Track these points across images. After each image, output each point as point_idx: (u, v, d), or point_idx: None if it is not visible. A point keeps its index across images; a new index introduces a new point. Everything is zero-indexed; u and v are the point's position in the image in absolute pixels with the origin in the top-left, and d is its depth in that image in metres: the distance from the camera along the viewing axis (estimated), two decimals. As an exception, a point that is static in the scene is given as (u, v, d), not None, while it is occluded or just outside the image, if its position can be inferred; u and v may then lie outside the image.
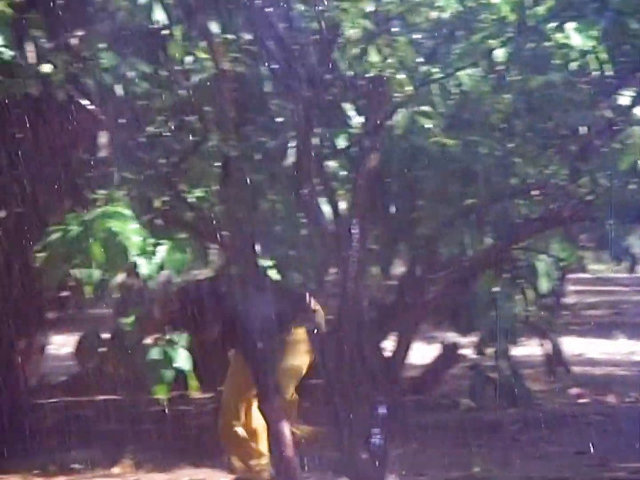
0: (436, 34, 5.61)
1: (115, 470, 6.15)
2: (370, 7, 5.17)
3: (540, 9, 5.19)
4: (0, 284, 6.61)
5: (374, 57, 5.17)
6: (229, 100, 5.85)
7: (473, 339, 7.86)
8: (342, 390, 5.12)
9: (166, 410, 6.83)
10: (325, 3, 5.24)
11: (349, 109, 5.88)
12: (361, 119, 5.77)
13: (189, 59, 5.86)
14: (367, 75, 5.29)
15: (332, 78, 5.61)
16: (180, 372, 5.12)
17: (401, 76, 5.23)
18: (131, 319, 5.20)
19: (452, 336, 7.95)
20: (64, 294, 6.64)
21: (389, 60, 5.17)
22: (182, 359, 5.14)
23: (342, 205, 5.65)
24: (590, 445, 6.57)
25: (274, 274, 5.77)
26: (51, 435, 6.65)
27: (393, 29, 5.28)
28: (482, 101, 5.87)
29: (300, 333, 5.68)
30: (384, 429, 5.18)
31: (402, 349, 6.88)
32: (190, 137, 6.09)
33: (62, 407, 7.62)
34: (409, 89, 5.28)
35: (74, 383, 7.81)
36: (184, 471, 6.09)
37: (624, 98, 5.64)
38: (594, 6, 5.15)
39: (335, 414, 5.14)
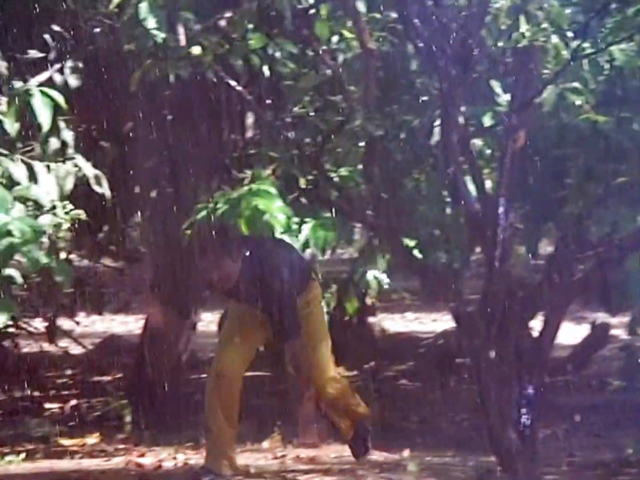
0: (588, 8, 5.40)
1: (265, 444, 6.14)
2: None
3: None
4: (155, 263, 6.71)
5: (524, 27, 4.98)
6: (374, 79, 5.79)
7: (624, 319, 7.59)
8: (489, 370, 4.99)
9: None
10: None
11: (495, 86, 5.70)
12: (508, 97, 5.59)
13: (335, 38, 5.82)
14: (518, 46, 5.11)
15: (479, 54, 5.45)
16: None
17: (555, 41, 5.03)
18: None
19: (602, 316, 7.69)
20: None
21: (543, 25, 4.98)
22: None
23: (488, 184, 5.48)
24: None
25: (418, 253, 5.65)
26: (202, 409, 6.69)
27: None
28: (635, 76, 5.63)
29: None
30: (532, 410, 5.03)
31: (551, 329, 6.66)
32: (336, 117, 6.00)
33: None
34: (565, 53, 5.08)
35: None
36: (331, 447, 6.03)
37: None
38: None
39: (483, 393, 5.02)
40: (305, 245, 5.15)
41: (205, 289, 4.97)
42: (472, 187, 5.40)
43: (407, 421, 6.51)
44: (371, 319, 8.21)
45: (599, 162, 5.91)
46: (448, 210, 5.83)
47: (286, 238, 5.15)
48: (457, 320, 5.32)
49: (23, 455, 5.86)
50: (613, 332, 7.76)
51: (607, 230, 6.49)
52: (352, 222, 6.09)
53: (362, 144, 5.97)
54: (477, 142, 5.81)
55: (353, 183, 5.96)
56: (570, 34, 5.19)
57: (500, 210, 5.13)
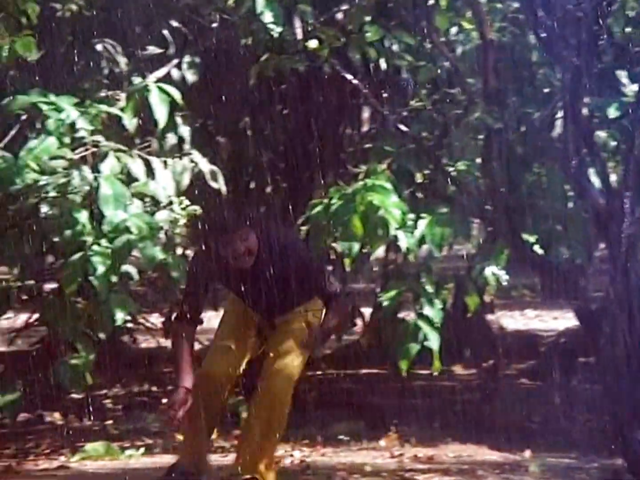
0: None
1: (382, 443, 6.04)
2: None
3: None
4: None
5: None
6: (493, 71, 5.64)
7: None
8: (615, 369, 4.78)
9: (430, 385, 6.69)
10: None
11: (622, 76, 5.47)
12: (635, 87, 5.36)
13: (453, 29, 5.68)
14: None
15: (605, 43, 5.25)
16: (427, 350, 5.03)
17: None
18: (390, 293, 5.07)
19: None
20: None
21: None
22: (431, 337, 5.05)
23: (613, 177, 5.26)
24: None
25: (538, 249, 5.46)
26: (317, 406, 6.60)
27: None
28: None
29: None
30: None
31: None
32: (454, 110, 5.87)
33: (327, 379, 7.58)
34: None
35: (339, 356, 7.79)
36: (449, 446, 5.90)
37: None
38: None
39: (609, 393, 4.80)
40: (421, 241, 5.01)
41: (224, 266, 4.60)
42: (596, 181, 5.20)
43: (528, 421, 6.34)
44: (489, 317, 8.05)
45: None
46: (570, 205, 5.62)
47: (402, 234, 5.02)
48: (581, 319, 5.12)
49: (142, 449, 5.87)
50: None
51: None
52: (470, 218, 5.94)
53: (480, 137, 5.90)
54: (602, 134, 5.62)
55: (471, 177, 5.84)
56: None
57: (626, 204, 4.90)
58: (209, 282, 4.66)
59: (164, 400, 7.03)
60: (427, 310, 5.10)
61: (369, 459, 5.60)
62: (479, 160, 5.97)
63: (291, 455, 5.73)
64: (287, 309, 4.62)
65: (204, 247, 4.62)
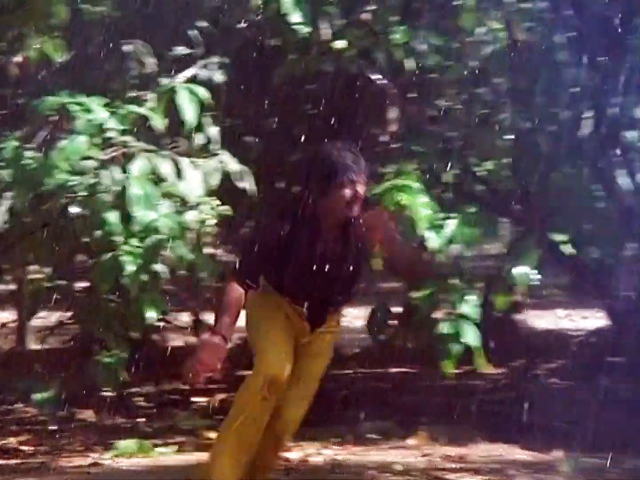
0: None
1: (410, 442, 5.97)
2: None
3: None
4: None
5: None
6: (521, 71, 5.58)
7: None
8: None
9: (459, 384, 6.61)
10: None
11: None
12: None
13: (480, 29, 5.60)
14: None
15: (634, 43, 5.18)
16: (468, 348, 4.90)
17: None
18: (422, 293, 5.00)
19: None
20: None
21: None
22: (471, 335, 4.90)
23: (641, 176, 5.18)
24: None
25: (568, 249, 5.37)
26: (347, 405, 6.58)
27: None
28: None
29: None
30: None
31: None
32: (481, 110, 5.80)
33: (356, 378, 7.56)
34: None
35: (368, 355, 7.74)
36: (479, 445, 5.83)
37: None
38: None
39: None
40: (451, 240, 4.93)
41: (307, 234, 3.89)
42: (624, 181, 5.11)
43: (558, 421, 6.25)
44: (519, 316, 7.97)
45: None
46: (600, 205, 5.54)
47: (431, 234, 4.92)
48: (611, 318, 5.02)
49: (174, 447, 5.83)
50: None
51: None
52: (499, 217, 5.87)
53: (509, 137, 5.83)
54: (630, 134, 5.52)
55: (499, 177, 5.77)
56: None
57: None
58: (278, 250, 3.97)
59: (196, 399, 7.04)
60: (464, 309, 4.99)
61: (398, 457, 5.52)
62: (507, 160, 5.91)
63: (321, 454, 5.67)
64: (334, 307, 4.11)
65: (295, 205, 4.04)
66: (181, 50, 5.53)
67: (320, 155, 4.00)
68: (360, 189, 3.93)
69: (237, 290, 3.94)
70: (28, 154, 4.82)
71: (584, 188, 5.68)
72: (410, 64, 5.42)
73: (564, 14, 5.48)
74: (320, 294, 4.03)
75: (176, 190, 4.88)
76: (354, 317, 7.92)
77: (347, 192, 3.91)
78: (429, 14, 5.47)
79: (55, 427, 6.36)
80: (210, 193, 4.95)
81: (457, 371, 5.41)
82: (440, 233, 4.86)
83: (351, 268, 4.01)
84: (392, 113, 5.56)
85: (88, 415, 6.67)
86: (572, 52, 5.70)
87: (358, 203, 3.94)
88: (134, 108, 4.96)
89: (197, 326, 7.02)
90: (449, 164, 5.60)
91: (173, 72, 5.31)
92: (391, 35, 5.33)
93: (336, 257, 3.99)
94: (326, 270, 3.97)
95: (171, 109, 4.97)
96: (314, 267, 3.95)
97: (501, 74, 5.76)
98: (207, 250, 4.91)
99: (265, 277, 4.09)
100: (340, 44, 5.26)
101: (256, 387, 3.95)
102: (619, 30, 5.18)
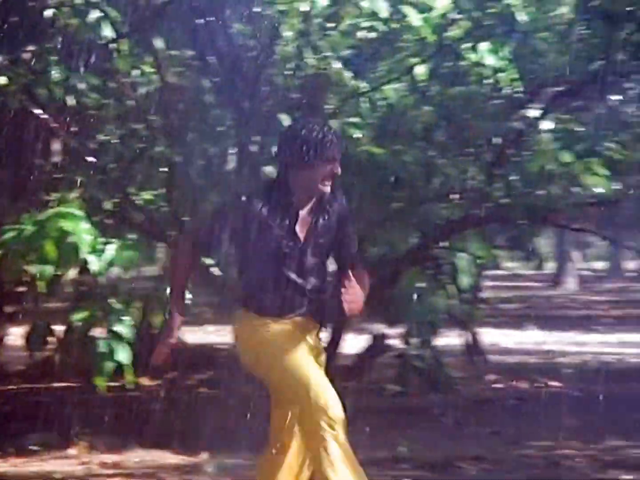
0: (364, 53, 5.68)
1: (71, 451, 6.05)
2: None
3: (457, 31, 5.27)
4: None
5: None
6: (173, 110, 5.87)
7: (400, 330, 7.92)
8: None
9: (119, 396, 6.76)
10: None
11: (284, 119, 5.87)
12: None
13: (136, 72, 5.85)
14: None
15: (268, 89, 5.64)
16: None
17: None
18: (82, 313, 5.14)
19: (380, 327, 7.99)
20: (21, 288, 6.56)
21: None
22: (123, 353, 5.06)
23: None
24: (504, 426, 6.66)
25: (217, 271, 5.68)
26: (10, 419, 6.54)
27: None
28: (406, 113, 5.94)
29: None
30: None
31: (335, 340, 6.91)
32: (138, 144, 6.05)
33: (20, 393, 7.50)
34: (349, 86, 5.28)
35: (33, 371, 7.69)
36: (135, 452, 6.00)
37: (532, 111, 5.75)
38: (504, 28, 5.25)
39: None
40: (111, 264, 5.12)
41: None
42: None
43: (206, 426, 6.45)
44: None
45: (376, 189, 6.19)
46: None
47: (92, 258, 5.08)
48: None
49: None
50: (390, 341, 8.03)
51: (383, 251, 6.82)
52: (156, 242, 6.11)
53: (163, 169, 6.08)
54: (268, 169, 5.98)
55: (155, 205, 5.99)
56: (349, 74, 5.45)
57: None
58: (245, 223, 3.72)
59: None
60: (118, 327, 5.13)
61: (58, 467, 5.62)
62: (162, 190, 6.17)
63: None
64: (314, 295, 3.80)
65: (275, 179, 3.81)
66: None
67: (301, 130, 3.76)
68: (337, 166, 3.79)
69: (187, 256, 3.88)
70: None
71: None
72: (71, 100, 5.54)
73: (209, 61, 5.81)
74: (297, 274, 3.77)
75: None
76: (18, 336, 7.91)
77: (328, 167, 3.75)
78: (87, 55, 5.62)
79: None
80: None
81: (117, 384, 5.61)
82: (101, 257, 4.99)
83: (321, 241, 3.81)
84: (55, 145, 5.66)
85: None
86: (217, 95, 6.08)
87: (332, 179, 3.78)
88: None
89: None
90: (110, 193, 5.73)
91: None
92: (50, 74, 5.41)
93: (307, 234, 3.78)
94: (298, 245, 3.76)
95: None
96: (285, 242, 3.74)
97: (155, 111, 5.98)
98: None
99: (244, 294, 3.94)
100: (2, 79, 5.25)
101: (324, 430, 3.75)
102: (254, 78, 5.56)
